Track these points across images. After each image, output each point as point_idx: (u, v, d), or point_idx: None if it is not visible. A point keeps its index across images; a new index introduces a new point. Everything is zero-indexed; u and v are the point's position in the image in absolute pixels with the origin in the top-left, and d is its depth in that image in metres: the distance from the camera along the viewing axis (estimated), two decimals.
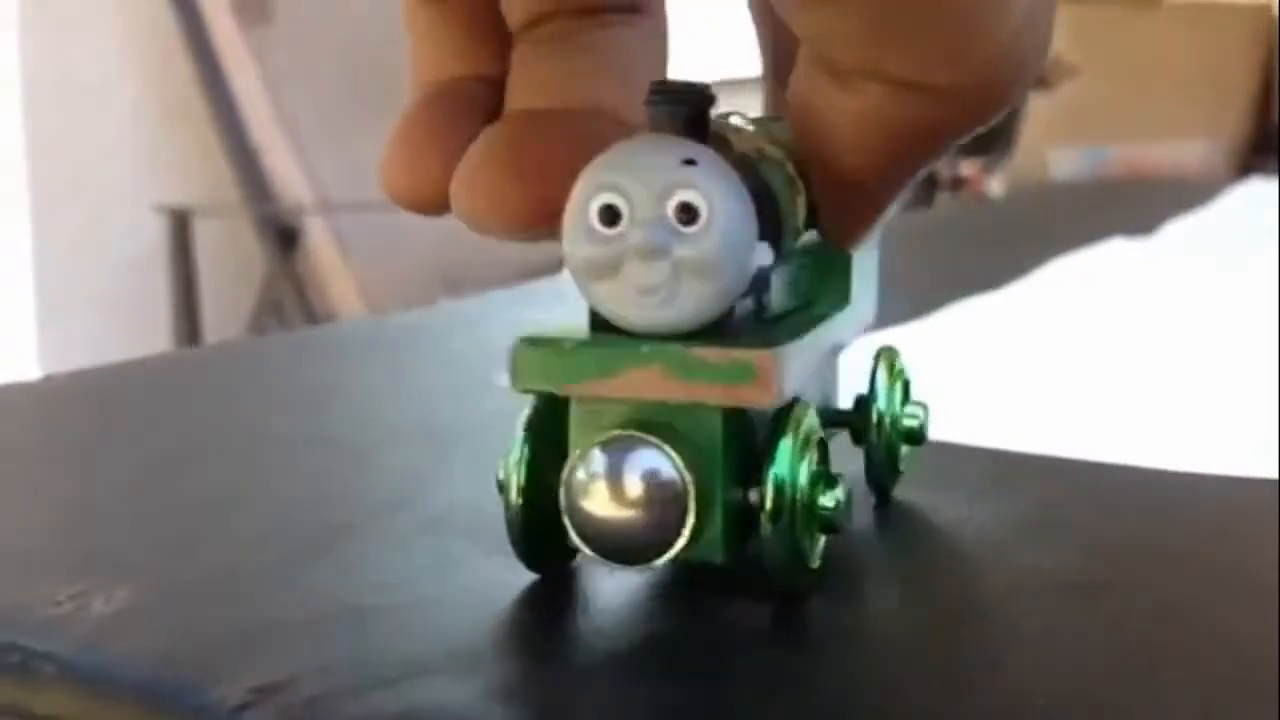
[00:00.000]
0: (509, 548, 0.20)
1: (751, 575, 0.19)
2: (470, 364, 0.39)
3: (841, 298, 0.22)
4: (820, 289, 0.22)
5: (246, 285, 1.94)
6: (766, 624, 0.19)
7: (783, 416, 0.18)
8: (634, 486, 0.17)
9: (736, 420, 0.18)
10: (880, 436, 0.23)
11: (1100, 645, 0.18)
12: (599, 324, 0.18)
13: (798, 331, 0.19)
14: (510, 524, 0.19)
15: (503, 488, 0.19)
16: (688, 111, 0.18)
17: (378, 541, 0.23)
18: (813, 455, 0.18)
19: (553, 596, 0.20)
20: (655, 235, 0.17)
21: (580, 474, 0.18)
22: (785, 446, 0.18)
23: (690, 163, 0.17)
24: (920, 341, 0.33)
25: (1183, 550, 0.22)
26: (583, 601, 0.20)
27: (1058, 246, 0.58)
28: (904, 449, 0.24)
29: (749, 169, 0.18)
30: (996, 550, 0.22)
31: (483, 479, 0.26)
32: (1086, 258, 0.55)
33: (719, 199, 0.17)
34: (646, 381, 0.18)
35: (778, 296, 0.20)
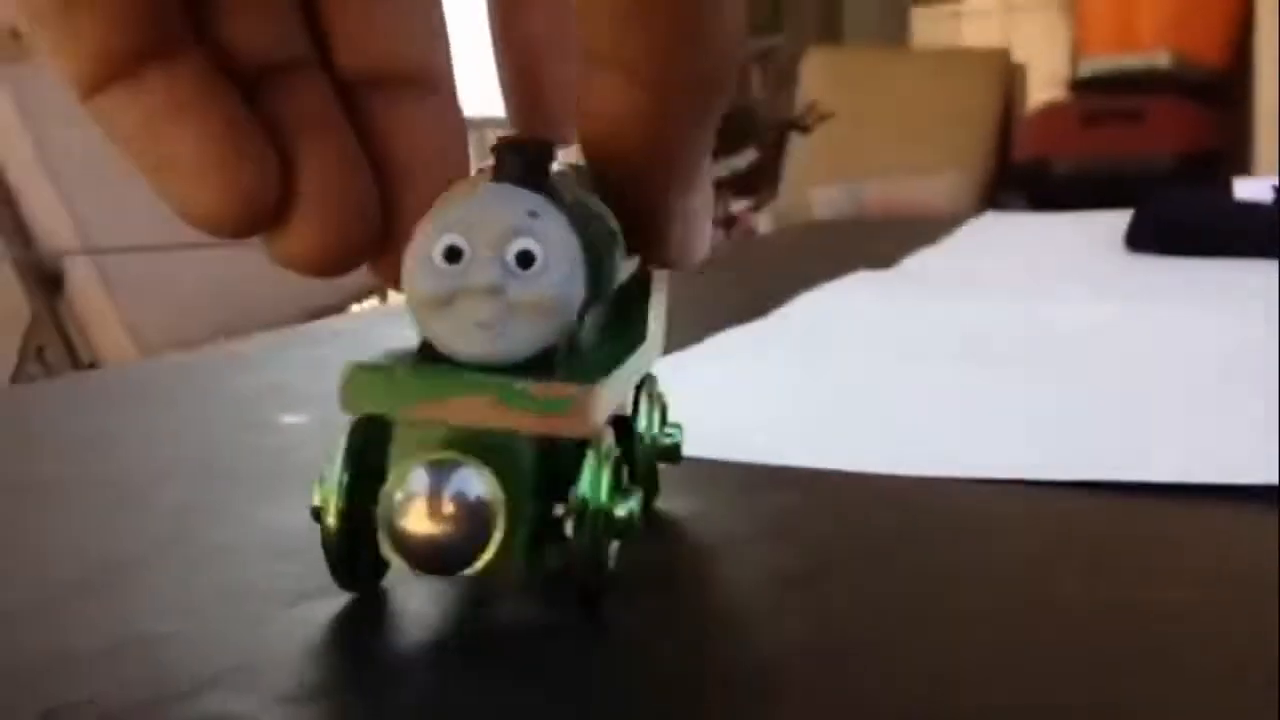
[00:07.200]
0: (300, 572, 0.22)
1: (556, 583, 0.21)
2: (252, 403, 0.39)
3: (639, 334, 0.25)
4: (623, 326, 0.24)
5: (8, 332, 1.84)
6: (572, 623, 0.21)
7: (588, 440, 0.20)
8: (450, 503, 0.19)
9: (547, 443, 0.21)
10: (642, 455, 0.26)
11: (809, 624, 0.21)
12: (427, 355, 0.20)
13: (608, 368, 0.21)
14: (327, 545, 0.21)
15: (319, 512, 0.21)
16: (533, 163, 0.20)
17: (162, 574, 0.24)
18: (611, 473, 0.21)
19: (354, 615, 0.22)
20: (494, 274, 0.19)
21: (400, 492, 0.19)
22: (590, 468, 0.20)
23: (533, 214, 0.19)
24: (684, 370, 0.37)
25: (891, 547, 0.25)
26: (388, 616, 0.22)
27: (812, 279, 0.62)
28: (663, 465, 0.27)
29: (579, 221, 0.20)
30: (740, 550, 0.25)
31: (269, 511, 0.27)
32: (831, 290, 0.60)
33: (555, 250, 0.19)
34: (473, 408, 0.20)
35: (588, 335, 0.22)
